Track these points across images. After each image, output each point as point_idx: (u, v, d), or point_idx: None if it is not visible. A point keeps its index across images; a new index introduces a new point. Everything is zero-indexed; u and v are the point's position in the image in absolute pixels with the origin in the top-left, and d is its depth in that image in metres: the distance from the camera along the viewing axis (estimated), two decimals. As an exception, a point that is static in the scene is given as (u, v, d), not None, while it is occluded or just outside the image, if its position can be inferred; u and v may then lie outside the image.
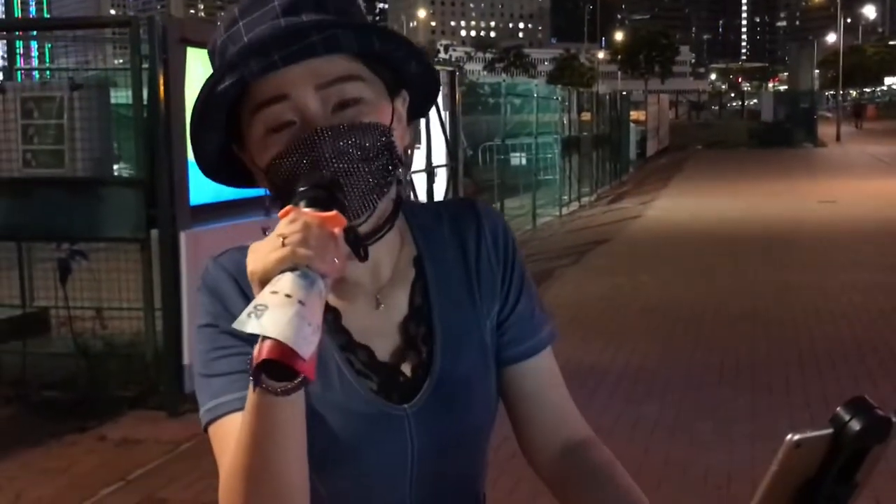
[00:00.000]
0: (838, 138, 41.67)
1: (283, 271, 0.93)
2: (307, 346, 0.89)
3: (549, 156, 16.65)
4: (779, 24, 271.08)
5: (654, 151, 31.93)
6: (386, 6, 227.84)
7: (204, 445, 4.70)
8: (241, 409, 1.06)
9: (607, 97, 23.29)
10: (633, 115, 29.59)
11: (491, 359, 1.26)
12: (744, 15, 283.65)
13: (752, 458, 4.91)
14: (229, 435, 1.08)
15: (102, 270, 6.11)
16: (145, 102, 5.63)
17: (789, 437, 0.78)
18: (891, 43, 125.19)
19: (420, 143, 10.20)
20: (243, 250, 1.10)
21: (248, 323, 0.89)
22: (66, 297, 6.17)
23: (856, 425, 0.79)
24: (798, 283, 9.79)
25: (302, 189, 1.03)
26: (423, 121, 10.17)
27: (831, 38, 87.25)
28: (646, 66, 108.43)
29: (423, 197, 10.08)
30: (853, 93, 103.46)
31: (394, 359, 1.20)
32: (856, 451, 0.81)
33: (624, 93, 28.78)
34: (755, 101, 74.60)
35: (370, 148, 1.10)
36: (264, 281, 0.94)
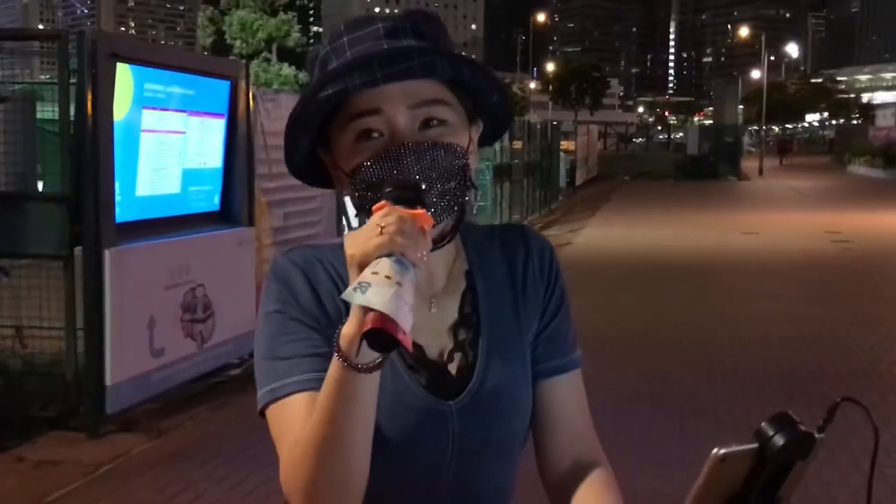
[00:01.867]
0: (761, 172, 42.64)
1: (379, 257, 1.02)
2: (406, 321, 0.99)
3: (482, 182, 16.74)
4: (705, 59, 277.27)
5: (583, 181, 32.30)
6: (320, 29, 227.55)
7: (125, 468, 4.57)
8: (304, 390, 1.18)
9: (539, 126, 23.52)
10: (563, 144, 29.91)
11: (529, 371, 1.35)
12: (671, 50, 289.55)
13: (681, 482, 4.93)
14: (292, 414, 1.17)
15: (23, 288, 5.95)
16: (72, 117, 5.52)
17: (715, 451, 0.79)
18: (812, 81, 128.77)
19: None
20: (312, 247, 1.31)
21: (354, 296, 0.99)
22: (-15, 314, 6.00)
23: (780, 440, 0.81)
24: (722, 311, 9.97)
25: (389, 189, 1.12)
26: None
27: (755, 74, 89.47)
28: (576, 97, 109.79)
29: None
30: (776, 128, 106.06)
31: (442, 358, 1.30)
32: (779, 466, 0.83)
33: (555, 122, 29.09)
34: (681, 134, 76.09)
35: (447, 167, 1.21)
36: (363, 264, 1.04)
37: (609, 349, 7.95)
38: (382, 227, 1.04)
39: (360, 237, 1.06)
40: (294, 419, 1.16)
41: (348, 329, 1.05)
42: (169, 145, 6.21)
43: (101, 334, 5.46)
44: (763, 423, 0.83)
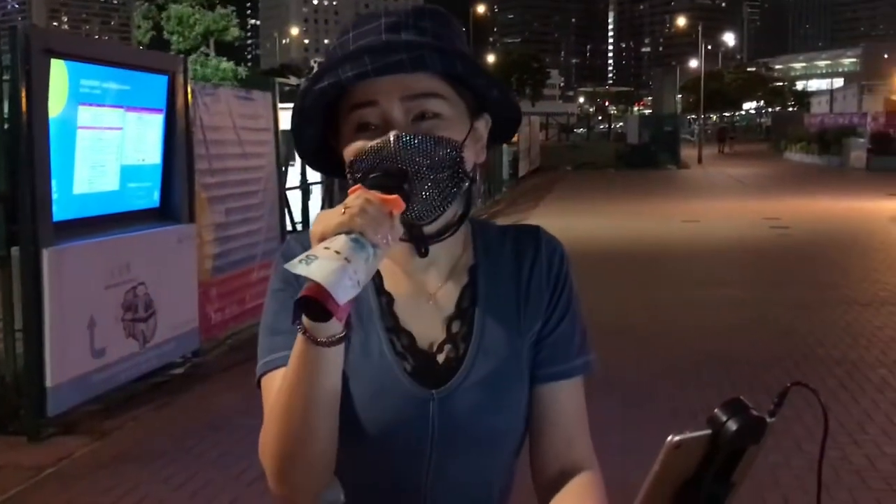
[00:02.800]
0: (700, 161, 43.22)
1: (339, 234, 1.08)
2: (343, 294, 1.04)
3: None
4: (644, 49, 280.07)
5: (525, 172, 32.44)
6: (258, 23, 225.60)
7: (67, 471, 4.49)
8: None
9: (480, 118, 23.55)
10: (505, 135, 29.97)
11: (526, 372, 1.37)
12: (610, 41, 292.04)
13: (623, 470, 5.01)
14: (276, 386, 1.21)
15: (-42, 289, 5.81)
16: (6, 115, 5.40)
17: (670, 438, 0.79)
18: (748, 69, 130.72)
19: (294, 160, 10.12)
20: None
21: (297, 267, 1.05)
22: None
23: (732, 426, 0.81)
24: (664, 298, 10.10)
25: (374, 175, 1.20)
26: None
27: (693, 63, 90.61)
28: (517, 88, 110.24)
29: (297, 213, 9.99)
30: (714, 117, 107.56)
31: (432, 349, 1.33)
32: (732, 451, 0.83)
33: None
34: (622, 124, 76.76)
35: (439, 159, 1.24)
36: (322, 239, 1.10)
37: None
38: (347, 207, 1.10)
39: (326, 216, 1.11)
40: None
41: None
42: (106, 142, 6.11)
43: (41, 335, 5.35)
44: (716, 410, 0.83)
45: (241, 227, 7.94)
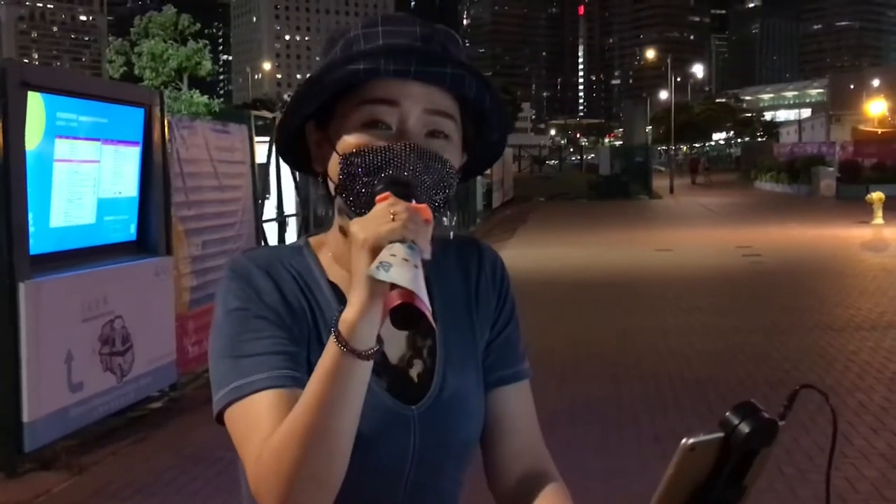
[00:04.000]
0: (672, 190, 43.56)
1: (393, 242, 1.05)
2: (426, 299, 1.02)
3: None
4: (614, 81, 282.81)
5: (499, 203, 32.55)
6: (230, 58, 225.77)
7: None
8: (271, 387, 1.15)
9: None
10: (479, 167, 30.08)
11: (482, 379, 1.36)
12: (580, 73, 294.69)
13: (608, 495, 5.02)
14: (259, 412, 1.14)
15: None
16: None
17: (684, 440, 0.80)
18: (717, 101, 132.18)
19: (269, 193, 10.11)
20: (267, 249, 1.33)
21: (378, 273, 1.02)
22: None
23: (745, 428, 0.82)
24: (640, 326, 10.13)
25: (386, 183, 1.15)
26: (273, 171, 10.10)
27: (663, 95, 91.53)
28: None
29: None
30: (684, 148, 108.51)
31: (402, 364, 1.30)
32: (744, 454, 0.84)
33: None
34: (593, 155, 77.30)
35: (439, 181, 1.22)
36: (376, 248, 1.05)
37: (532, 367, 7.99)
38: (395, 214, 1.06)
39: (370, 223, 1.07)
40: (262, 417, 1.13)
41: (350, 315, 1.06)
42: (83, 175, 6.08)
43: (18, 370, 5.29)
44: (728, 413, 0.84)
45: (217, 260, 7.90)
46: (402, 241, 1.05)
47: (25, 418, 5.30)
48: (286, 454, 1.09)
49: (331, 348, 1.09)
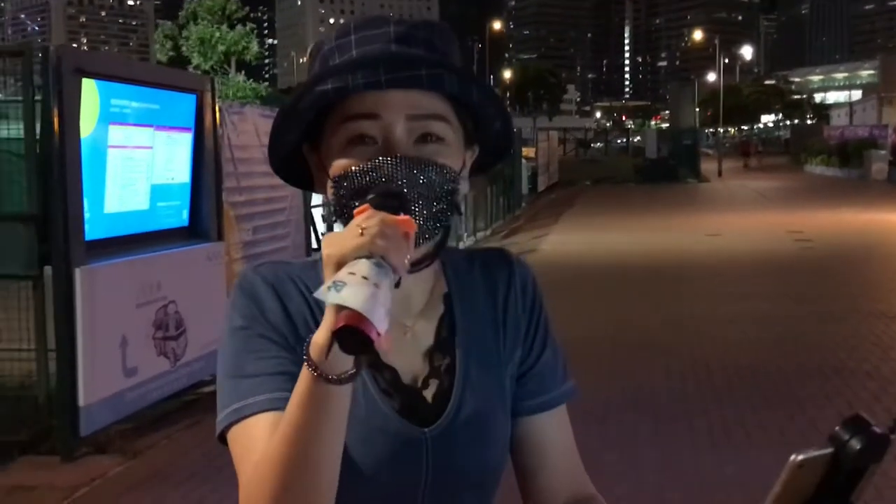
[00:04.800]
0: (720, 174, 43.09)
1: (359, 258, 0.99)
2: (381, 324, 0.94)
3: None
4: (660, 63, 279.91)
5: (544, 187, 32.44)
6: (275, 42, 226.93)
7: (101, 491, 4.48)
8: (269, 409, 1.10)
9: (500, 133, 23.55)
10: (524, 151, 30.02)
11: (508, 402, 1.28)
12: (626, 55, 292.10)
13: (661, 486, 4.98)
14: (256, 434, 1.10)
15: (-9, 309, 5.83)
16: (38, 135, 5.42)
17: (793, 457, 0.77)
18: (766, 83, 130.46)
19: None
20: (278, 263, 1.24)
21: (327, 295, 0.95)
22: (-48, 338, 5.86)
23: (856, 444, 0.79)
24: (691, 313, 10.03)
25: (373, 196, 1.08)
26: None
27: (710, 76, 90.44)
28: (534, 103, 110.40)
29: (322, 231, 10.01)
30: (732, 130, 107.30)
31: (416, 384, 1.23)
32: (852, 470, 0.81)
33: (515, 129, 29.16)
34: (639, 138, 76.66)
35: (437, 189, 1.15)
36: (340, 264, 0.99)
37: (580, 355, 7.93)
38: (364, 229, 1.00)
39: (339, 238, 1.01)
40: (257, 440, 1.09)
41: (319, 337, 0.99)
42: (136, 161, 6.13)
43: (73, 355, 5.36)
44: (837, 428, 0.81)
45: (268, 245, 7.95)
46: (368, 256, 0.98)
47: (81, 402, 5.37)
48: (266, 483, 1.05)
49: (304, 373, 1.02)
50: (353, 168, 1.14)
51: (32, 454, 5.50)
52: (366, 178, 1.13)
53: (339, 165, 1.16)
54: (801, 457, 0.78)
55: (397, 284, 1.11)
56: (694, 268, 13.78)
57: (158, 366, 6.11)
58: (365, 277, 0.95)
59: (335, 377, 1.00)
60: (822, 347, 8.24)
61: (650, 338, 8.81)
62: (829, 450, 0.81)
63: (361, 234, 0.99)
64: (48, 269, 5.45)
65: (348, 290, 0.94)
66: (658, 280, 12.66)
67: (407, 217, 1.05)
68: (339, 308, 0.94)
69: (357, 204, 1.08)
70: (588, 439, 5.75)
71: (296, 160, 1.26)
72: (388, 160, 1.12)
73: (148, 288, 6.01)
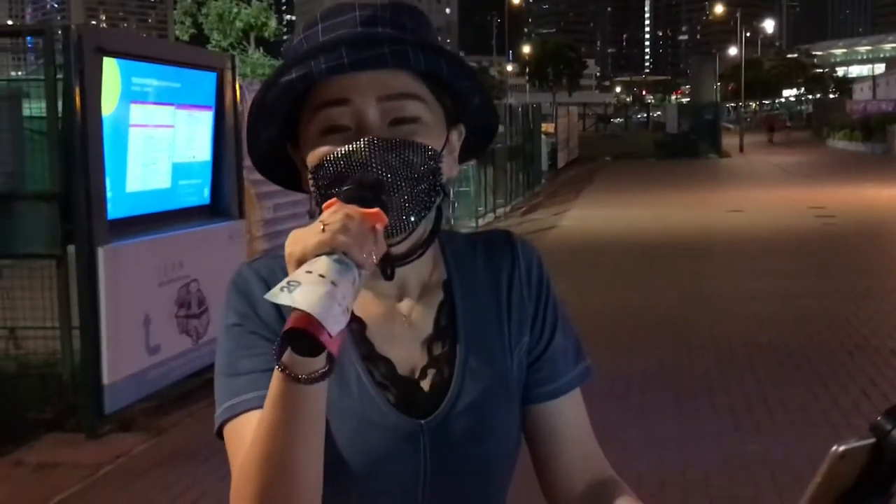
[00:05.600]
0: (741, 149, 42.81)
1: (320, 255, 0.96)
2: (335, 324, 0.91)
3: (465, 167, 16.71)
4: (680, 37, 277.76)
5: (564, 163, 32.32)
6: (293, 18, 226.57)
7: (126, 469, 4.52)
8: (259, 407, 1.07)
9: (520, 109, 23.49)
10: (544, 127, 29.90)
11: (515, 391, 1.25)
12: (647, 29, 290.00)
13: (683, 463, 4.98)
14: (247, 432, 1.07)
15: (16, 288, 5.87)
16: (60, 114, 5.44)
17: (834, 448, 0.76)
18: (788, 56, 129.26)
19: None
20: (275, 256, 1.18)
21: (279, 296, 0.92)
22: (-23, 316, 5.92)
23: (899, 434, 0.77)
24: (712, 289, 9.99)
25: (347, 187, 1.06)
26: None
27: (732, 51, 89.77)
28: (553, 78, 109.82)
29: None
30: (753, 105, 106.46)
31: (414, 375, 1.20)
32: (894, 460, 0.79)
33: (535, 105, 29.05)
34: (659, 113, 76.24)
35: (417, 169, 1.12)
36: (301, 262, 0.97)
37: (601, 331, 7.93)
38: (325, 225, 0.97)
39: (301, 234, 0.99)
40: (246, 438, 1.07)
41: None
42: (158, 140, 6.14)
43: (97, 333, 5.39)
44: (879, 418, 0.79)
45: (289, 223, 7.95)
46: (330, 253, 0.95)
47: (105, 380, 5.41)
48: (249, 483, 1.04)
49: (275, 373, 1.00)
50: (328, 157, 1.11)
51: (57, 432, 5.55)
52: (340, 165, 1.10)
53: (315, 155, 1.13)
54: (842, 447, 0.77)
55: (390, 276, 1.11)
56: (715, 244, 13.71)
57: (181, 344, 6.15)
58: (322, 276, 0.93)
59: (305, 377, 0.97)
60: (845, 324, 8.20)
61: (671, 314, 8.78)
62: (871, 440, 0.79)
63: (323, 229, 0.97)
64: (71, 248, 5.47)
65: (301, 290, 0.91)
66: (679, 256, 12.61)
67: (375, 210, 1.01)
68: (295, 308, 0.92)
69: (332, 196, 1.05)
70: (609, 416, 5.76)
71: (281, 160, 1.23)
72: (360, 144, 1.09)
73: (170, 266, 6.03)
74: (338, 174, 1.10)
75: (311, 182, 1.14)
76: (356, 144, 1.09)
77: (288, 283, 0.93)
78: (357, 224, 0.98)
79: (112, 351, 5.44)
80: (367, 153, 1.09)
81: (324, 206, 1.02)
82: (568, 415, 1.27)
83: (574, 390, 1.28)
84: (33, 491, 4.83)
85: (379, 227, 1.01)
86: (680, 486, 4.72)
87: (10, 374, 5.97)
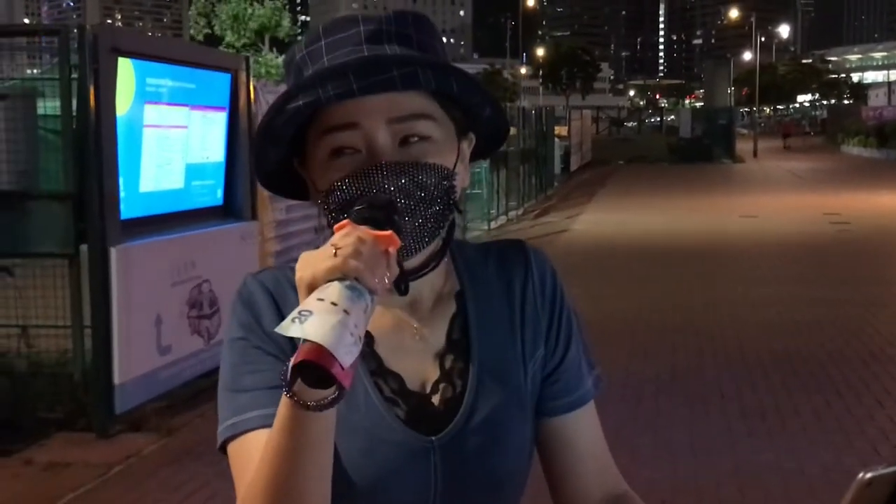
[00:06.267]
0: (755, 154, 42.66)
1: (331, 280, 0.93)
2: (347, 355, 0.89)
3: (477, 170, 16.68)
4: (695, 41, 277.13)
5: (577, 166, 32.27)
6: (308, 19, 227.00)
7: (136, 468, 4.52)
8: (265, 426, 1.05)
9: (533, 112, 23.46)
10: (557, 130, 29.85)
11: (529, 405, 1.23)
12: (661, 33, 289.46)
13: (696, 471, 4.95)
14: (251, 452, 1.06)
15: (28, 287, 5.88)
16: (74, 113, 5.44)
17: (861, 474, 0.74)
18: (803, 62, 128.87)
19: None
20: (281, 269, 1.19)
21: (290, 327, 0.89)
22: (-10, 314, 5.93)
23: (927, 461, 0.75)
24: (725, 295, 9.94)
25: (359, 207, 1.03)
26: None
27: (746, 56, 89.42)
28: (567, 81, 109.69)
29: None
30: (767, 110, 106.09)
31: (425, 389, 1.17)
32: (921, 487, 0.77)
33: (548, 108, 29.01)
34: (673, 117, 76.09)
35: (430, 190, 1.10)
36: (312, 287, 0.94)
37: (612, 336, 7.90)
38: (337, 249, 0.95)
39: (313, 258, 0.96)
40: (251, 459, 1.05)
41: (296, 361, 0.94)
42: (172, 140, 6.14)
43: (109, 333, 5.39)
44: (907, 444, 0.77)
45: (301, 224, 7.96)
46: (342, 279, 0.93)
47: (116, 380, 5.41)
48: None
49: (283, 398, 0.97)
50: (338, 182, 1.08)
51: (68, 431, 5.55)
52: (352, 190, 1.07)
53: (324, 180, 1.11)
54: (869, 474, 0.75)
55: (405, 291, 1.09)
56: (728, 249, 13.66)
57: (192, 344, 6.14)
58: (334, 304, 0.90)
59: (313, 403, 0.95)
60: (860, 332, 8.14)
61: (684, 320, 8.74)
62: (898, 467, 0.77)
63: (335, 254, 0.94)
64: (84, 248, 5.47)
65: (312, 320, 0.89)
66: (692, 261, 12.55)
67: (388, 232, 0.99)
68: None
69: (343, 218, 1.02)
70: (621, 422, 5.74)
71: (287, 173, 1.20)
72: (373, 170, 1.07)
73: (182, 267, 6.03)
74: (349, 198, 1.07)
75: (321, 205, 1.12)
76: (368, 170, 1.07)
77: (299, 312, 0.90)
78: (369, 248, 0.96)
79: (123, 351, 5.44)
80: (379, 178, 1.07)
81: (335, 227, 1.00)
82: (583, 427, 1.25)
83: (588, 405, 1.26)
84: (43, 490, 4.82)
85: (392, 250, 0.99)
86: (691, 493, 4.69)
87: (21, 372, 5.97)
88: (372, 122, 1.09)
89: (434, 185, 1.10)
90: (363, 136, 1.09)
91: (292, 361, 0.90)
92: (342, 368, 0.89)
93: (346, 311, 0.90)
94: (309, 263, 0.96)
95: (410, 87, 1.09)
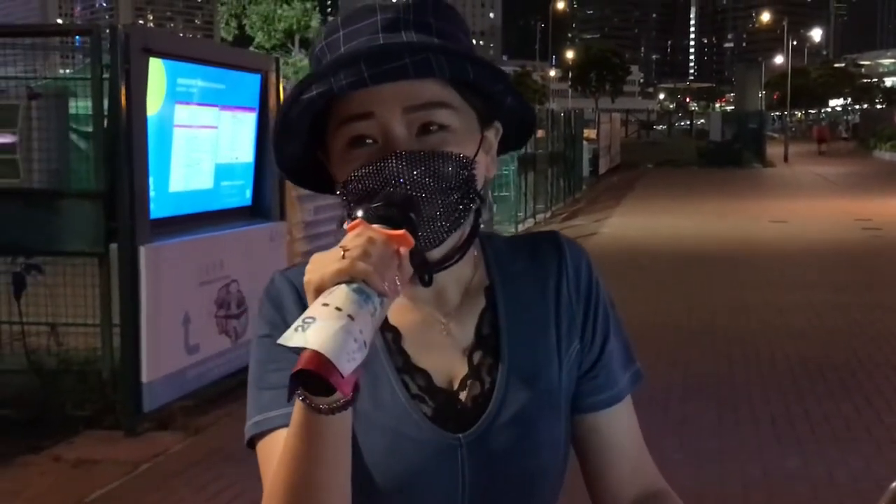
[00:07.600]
0: (786, 159, 42.32)
1: (339, 283, 0.91)
2: (349, 362, 0.87)
3: (506, 172, 16.65)
4: (726, 45, 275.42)
5: (606, 169, 32.13)
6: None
7: (163, 466, 4.55)
8: (286, 425, 1.03)
9: (562, 115, 23.39)
10: (586, 133, 29.74)
11: (564, 401, 1.20)
12: (692, 36, 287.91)
13: (721, 476, 4.91)
14: (274, 451, 1.05)
15: (59, 285, 5.93)
16: (105, 113, 5.48)
17: (894, 485, 0.72)
18: (835, 66, 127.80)
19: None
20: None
21: (293, 337, 0.87)
22: (20, 312, 5.98)
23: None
24: (755, 301, 9.86)
25: (375, 205, 1.01)
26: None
27: (778, 59, 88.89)
28: (596, 84, 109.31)
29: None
30: (799, 114, 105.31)
31: (453, 386, 1.15)
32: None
33: (577, 110, 28.91)
34: (703, 120, 75.62)
35: (448, 179, 1.08)
36: (319, 291, 0.93)
37: (640, 340, 7.83)
38: (346, 251, 0.93)
39: (321, 261, 0.95)
40: (274, 457, 1.05)
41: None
42: (202, 140, 6.18)
43: (137, 331, 5.42)
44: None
45: (329, 225, 7.97)
46: (349, 281, 0.91)
47: (144, 379, 5.44)
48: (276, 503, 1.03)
49: (297, 402, 0.97)
50: (353, 173, 1.07)
51: (96, 428, 5.59)
52: (368, 181, 1.06)
53: (342, 170, 1.10)
54: (902, 485, 0.74)
55: (428, 282, 1.08)
56: (759, 255, 13.54)
57: (220, 344, 6.17)
58: (339, 308, 0.88)
59: (325, 406, 0.94)
60: (891, 339, 8.05)
61: (713, 325, 8.68)
62: (933, 477, 0.76)
63: (343, 256, 0.93)
64: (114, 247, 5.51)
65: (315, 328, 0.87)
66: (721, 266, 12.46)
67: (401, 232, 0.97)
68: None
69: (357, 214, 1.00)
70: (648, 427, 5.62)
71: (312, 166, 1.19)
72: (388, 161, 1.05)
73: (211, 266, 6.06)
74: (365, 190, 1.06)
75: (340, 196, 1.11)
76: (383, 161, 1.06)
77: (304, 320, 0.88)
78: (379, 249, 0.94)
79: (151, 349, 5.47)
80: (396, 168, 1.05)
81: (347, 227, 0.98)
82: (622, 423, 1.23)
83: (625, 400, 1.24)
84: (71, 487, 4.86)
85: (403, 250, 0.96)
86: (719, 499, 4.65)
87: (50, 370, 6.02)
88: (387, 111, 1.08)
89: (452, 173, 1.08)
90: (379, 126, 1.08)
91: (293, 370, 0.89)
92: (342, 377, 0.87)
93: (350, 317, 0.88)
94: (317, 266, 0.95)
95: (424, 74, 1.07)
